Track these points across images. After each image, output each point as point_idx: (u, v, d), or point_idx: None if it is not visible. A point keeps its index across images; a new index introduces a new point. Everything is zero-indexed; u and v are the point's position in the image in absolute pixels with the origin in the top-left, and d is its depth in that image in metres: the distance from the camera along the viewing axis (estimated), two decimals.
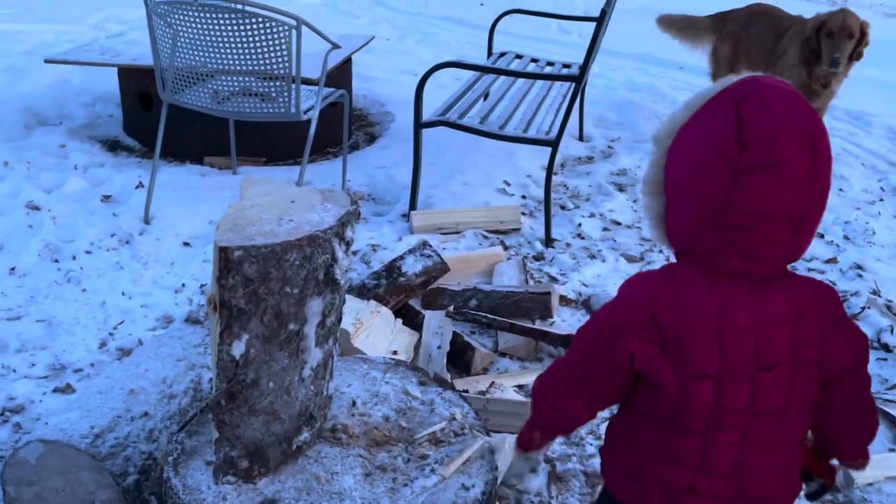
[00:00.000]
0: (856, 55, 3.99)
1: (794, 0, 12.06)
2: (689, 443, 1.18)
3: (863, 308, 2.84)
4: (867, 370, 1.23)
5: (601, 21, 3.15)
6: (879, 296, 2.97)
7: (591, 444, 2.14)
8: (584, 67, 3.25)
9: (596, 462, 2.08)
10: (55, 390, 2.30)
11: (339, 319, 1.57)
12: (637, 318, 1.16)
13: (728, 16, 4.87)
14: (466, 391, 2.28)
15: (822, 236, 3.48)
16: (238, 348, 1.38)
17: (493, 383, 2.33)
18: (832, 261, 3.27)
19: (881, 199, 3.95)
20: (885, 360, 2.59)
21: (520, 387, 2.37)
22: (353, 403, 1.74)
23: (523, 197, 3.78)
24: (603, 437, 1.53)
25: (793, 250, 1.16)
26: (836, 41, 3.94)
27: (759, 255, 1.13)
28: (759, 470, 1.20)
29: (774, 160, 1.09)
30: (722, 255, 1.14)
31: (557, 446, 2.13)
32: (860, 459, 1.28)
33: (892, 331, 2.70)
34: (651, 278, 1.20)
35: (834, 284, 3.06)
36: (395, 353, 2.31)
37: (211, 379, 1.61)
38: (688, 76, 6.52)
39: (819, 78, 4.03)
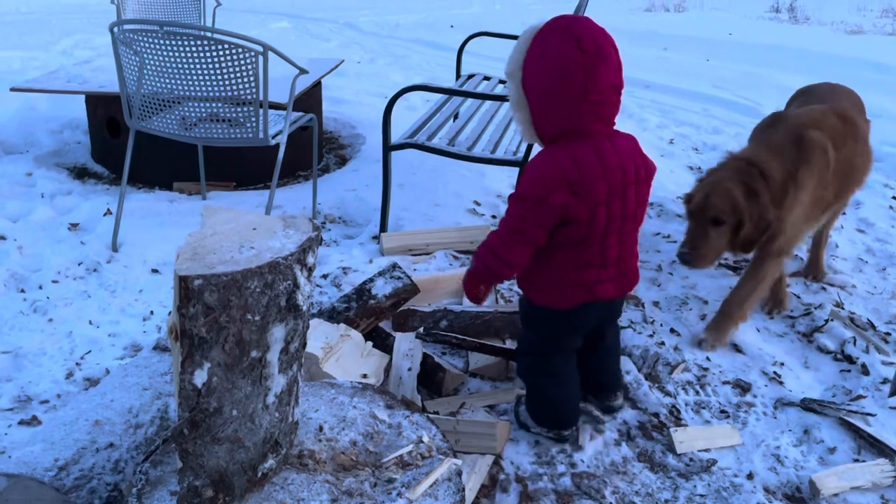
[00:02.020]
0: (739, 245, 2.61)
1: (752, 20, 12.30)
2: (593, 251, 1.90)
3: (826, 320, 2.89)
4: None
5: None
6: (842, 308, 3.02)
7: (562, 464, 2.15)
8: None
9: (566, 481, 2.09)
10: (21, 423, 2.27)
11: (304, 345, 1.57)
12: (557, 182, 1.80)
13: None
14: (437, 412, 2.29)
15: None
16: (200, 377, 1.38)
17: (463, 404, 2.34)
18: (797, 274, 3.32)
19: (843, 213, 4.03)
20: (849, 371, 2.63)
21: (491, 407, 2.38)
22: (320, 429, 1.74)
23: (493, 217, 3.81)
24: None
25: (618, 109, 1.88)
26: (692, 227, 2.63)
27: (607, 116, 1.84)
28: (628, 255, 1.98)
29: (603, 56, 1.77)
30: (587, 124, 1.82)
31: (528, 465, 2.14)
32: None
33: (854, 342, 2.75)
34: (554, 156, 1.83)
35: (799, 297, 3.12)
36: (364, 376, 2.30)
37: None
38: (654, 94, 6.63)
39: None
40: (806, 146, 2.62)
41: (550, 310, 2.00)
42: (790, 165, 2.59)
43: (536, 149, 4.02)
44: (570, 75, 1.76)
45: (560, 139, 1.85)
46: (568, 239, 1.87)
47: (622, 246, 1.94)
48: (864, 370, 2.62)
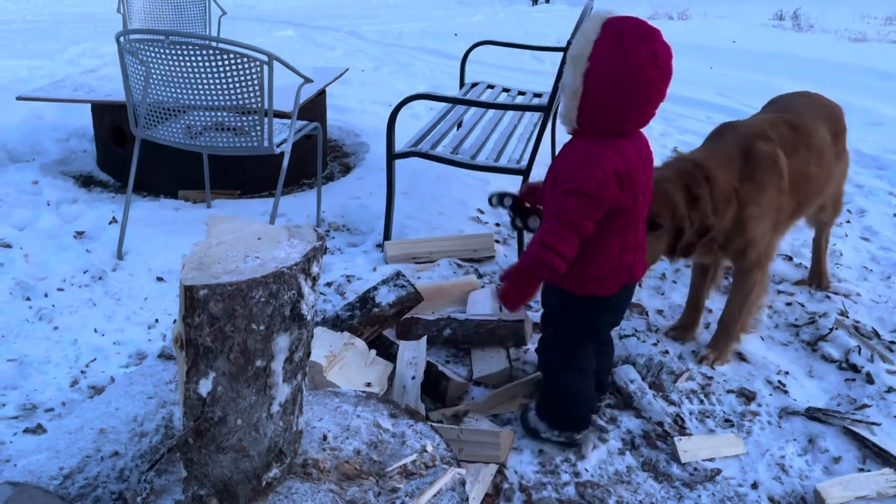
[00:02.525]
0: (679, 251, 2.48)
1: (755, 27, 12.29)
2: (630, 235, 2.05)
3: (831, 329, 2.88)
4: None
5: (567, 52, 3.21)
6: (847, 317, 3.02)
7: (566, 473, 2.15)
8: (553, 98, 3.30)
9: (570, 490, 2.09)
10: (26, 431, 2.27)
11: (308, 354, 1.57)
12: (609, 176, 1.91)
13: None
14: (441, 421, 2.29)
15: (790, 259, 3.54)
16: (205, 386, 1.38)
17: (467, 412, 2.34)
18: (801, 282, 3.32)
19: (847, 221, 4.03)
20: (853, 380, 2.63)
21: (494, 416, 2.38)
22: (324, 437, 1.74)
23: (497, 225, 3.82)
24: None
25: None
26: None
27: (645, 123, 1.97)
28: (645, 237, 2.15)
29: (668, 75, 1.89)
30: (633, 126, 1.96)
31: (532, 474, 2.14)
32: None
33: (859, 351, 2.74)
34: (601, 151, 1.92)
35: (803, 306, 3.12)
36: (368, 384, 2.31)
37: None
38: None
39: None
40: (755, 157, 2.58)
41: (595, 298, 2.08)
42: (738, 176, 2.54)
43: (541, 155, 4.02)
44: (640, 87, 1.85)
45: (600, 133, 1.94)
46: (614, 226, 1.99)
47: (644, 231, 2.13)
48: (869, 379, 2.61)
